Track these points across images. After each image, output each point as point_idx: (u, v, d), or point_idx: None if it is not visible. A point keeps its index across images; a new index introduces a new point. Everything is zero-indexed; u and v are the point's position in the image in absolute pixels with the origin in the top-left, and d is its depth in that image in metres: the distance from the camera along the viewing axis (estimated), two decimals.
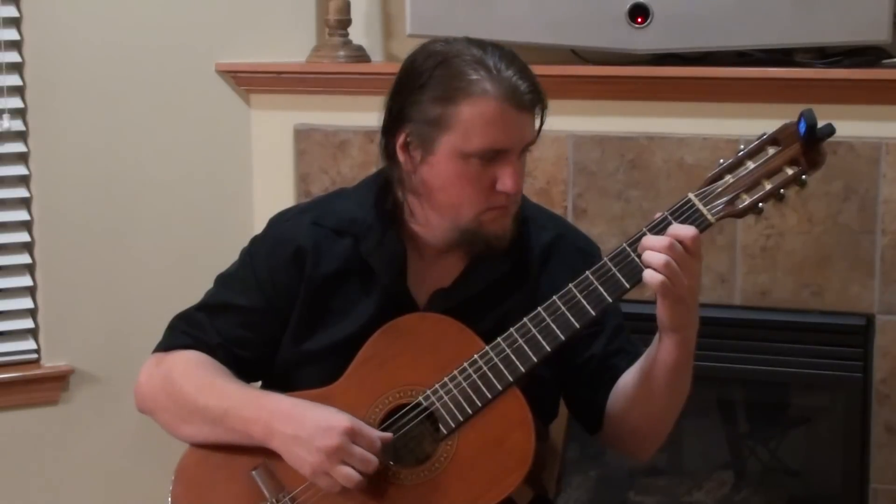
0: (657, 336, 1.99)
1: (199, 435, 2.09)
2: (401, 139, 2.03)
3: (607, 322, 2.10)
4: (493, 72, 1.97)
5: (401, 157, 2.04)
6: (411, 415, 2.01)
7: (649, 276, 1.89)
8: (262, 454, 2.04)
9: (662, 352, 1.98)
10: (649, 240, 1.90)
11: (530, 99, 1.98)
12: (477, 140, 1.97)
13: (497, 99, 1.96)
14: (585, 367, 2.11)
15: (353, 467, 1.95)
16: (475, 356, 2.00)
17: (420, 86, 2.00)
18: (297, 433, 1.98)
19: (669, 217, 1.93)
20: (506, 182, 1.99)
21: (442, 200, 2.03)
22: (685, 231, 1.89)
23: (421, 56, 2.03)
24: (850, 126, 2.76)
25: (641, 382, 2.03)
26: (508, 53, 2.01)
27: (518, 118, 1.98)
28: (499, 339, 1.99)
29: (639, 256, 1.92)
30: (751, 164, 1.93)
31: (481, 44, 2.02)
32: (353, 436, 1.95)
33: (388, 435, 1.99)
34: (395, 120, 2.04)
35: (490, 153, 1.98)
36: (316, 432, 1.96)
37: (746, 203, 1.92)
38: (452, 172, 2.00)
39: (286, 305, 2.12)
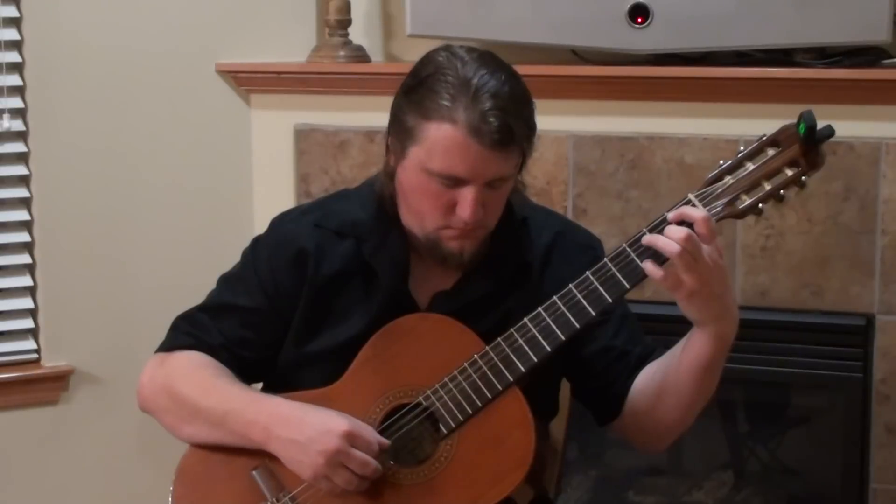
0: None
1: (200, 436, 2.09)
2: (390, 137, 2.04)
3: (613, 312, 2.09)
4: (470, 101, 1.92)
5: (389, 152, 2.06)
6: (411, 415, 2.01)
7: (651, 269, 1.89)
8: (262, 454, 2.04)
9: (692, 345, 1.97)
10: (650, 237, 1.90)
11: (498, 139, 1.92)
12: (437, 163, 1.96)
13: (461, 130, 1.92)
14: (595, 357, 2.11)
15: (353, 471, 1.95)
16: (475, 356, 2.00)
17: (408, 89, 2.01)
18: (295, 437, 1.98)
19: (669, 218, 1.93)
20: (464, 209, 1.97)
21: (410, 203, 2.04)
22: (676, 233, 1.87)
23: (424, 61, 2.03)
24: (850, 126, 2.76)
25: (670, 374, 2.02)
26: (500, 83, 1.95)
27: (481, 153, 1.93)
28: (499, 339, 1.99)
29: (639, 256, 1.92)
30: (750, 166, 1.93)
31: (481, 64, 1.97)
32: (351, 439, 1.95)
33: (386, 441, 1.99)
34: (390, 117, 2.04)
35: (450, 179, 1.96)
36: (314, 436, 1.96)
37: (746, 204, 1.92)
38: (416, 183, 2.00)
39: (288, 307, 2.12)
